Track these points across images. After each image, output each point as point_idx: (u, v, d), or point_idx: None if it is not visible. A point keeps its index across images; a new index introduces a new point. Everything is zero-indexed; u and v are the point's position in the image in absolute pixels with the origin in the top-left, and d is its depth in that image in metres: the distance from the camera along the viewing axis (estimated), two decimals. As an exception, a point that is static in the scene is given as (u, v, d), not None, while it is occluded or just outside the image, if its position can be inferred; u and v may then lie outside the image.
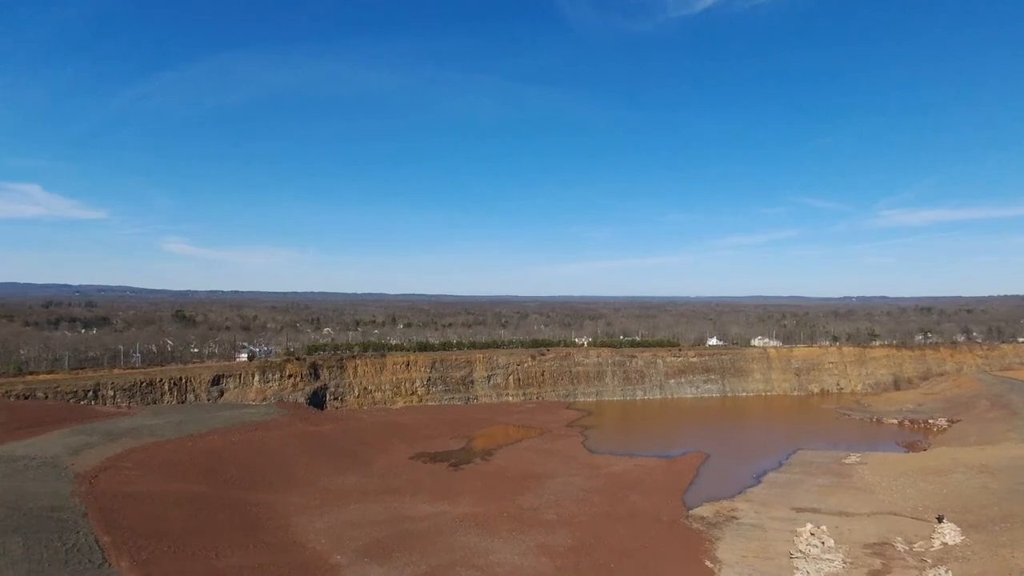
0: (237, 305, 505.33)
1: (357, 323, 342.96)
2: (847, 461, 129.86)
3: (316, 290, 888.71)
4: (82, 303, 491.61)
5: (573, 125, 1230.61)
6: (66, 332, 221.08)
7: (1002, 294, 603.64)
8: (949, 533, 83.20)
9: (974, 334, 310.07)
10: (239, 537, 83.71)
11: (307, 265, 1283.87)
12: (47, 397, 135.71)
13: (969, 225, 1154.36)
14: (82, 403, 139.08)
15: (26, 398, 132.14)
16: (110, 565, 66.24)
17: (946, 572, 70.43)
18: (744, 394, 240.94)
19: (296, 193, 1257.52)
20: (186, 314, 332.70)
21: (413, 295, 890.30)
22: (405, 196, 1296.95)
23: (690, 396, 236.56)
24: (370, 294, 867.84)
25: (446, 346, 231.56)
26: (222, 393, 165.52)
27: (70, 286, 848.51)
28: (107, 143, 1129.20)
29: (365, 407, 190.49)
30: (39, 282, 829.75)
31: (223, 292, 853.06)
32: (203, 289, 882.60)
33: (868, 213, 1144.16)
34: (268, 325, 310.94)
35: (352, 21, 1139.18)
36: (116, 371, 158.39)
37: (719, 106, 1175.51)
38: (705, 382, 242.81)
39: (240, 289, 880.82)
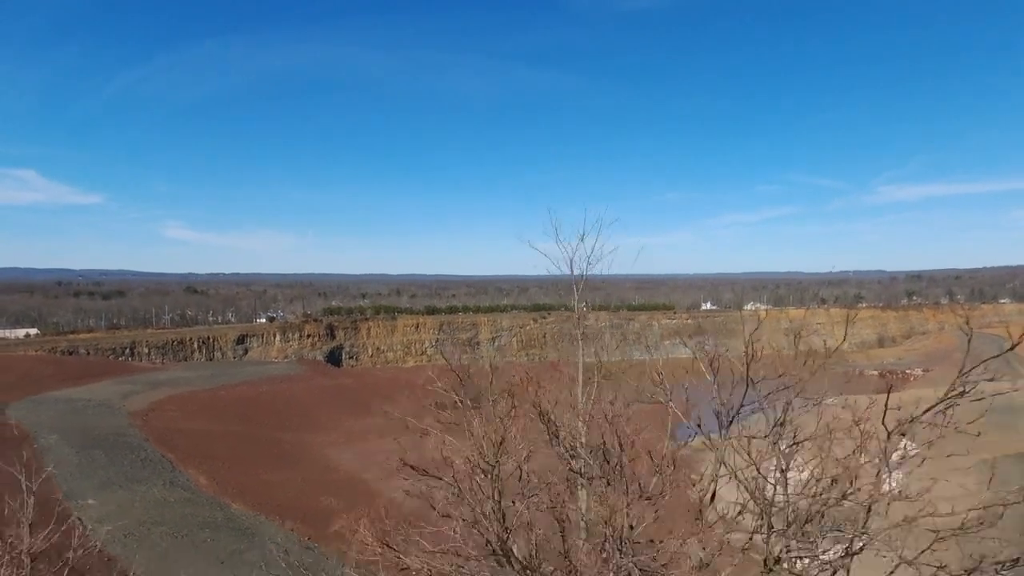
0: (244, 284, 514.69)
1: (364, 295, 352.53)
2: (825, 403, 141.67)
3: (317, 271, 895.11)
4: (89, 283, 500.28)
5: (566, 104, 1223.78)
6: (87, 303, 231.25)
7: (993, 266, 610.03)
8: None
9: (958, 297, 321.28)
10: (279, 463, 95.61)
11: (307, 248, 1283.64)
12: (89, 353, 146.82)
13: (963, 200, 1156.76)
14: (120, 359, 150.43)
15: (70, 354, 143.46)
16: (180, 472, 78.22)
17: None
18: (736, 353, 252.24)
19: (293, 176, 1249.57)
20: (197, 289, 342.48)
21: (414, 275, 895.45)
22: (401, 177, 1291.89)
23: (684, 356, 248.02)
24: (371, 274, 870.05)
25: (452, 310, 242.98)
26: (246, 351, 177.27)
27: (72, 270, 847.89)
28: (103, 128, 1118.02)
29: (378, 365, 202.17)
30: (40, 267, 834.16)
31: (224, 274, 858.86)
32: (204, 272, 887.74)
33: (865, 190, 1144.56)
34: (278, 298, 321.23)
35: (344, 2, 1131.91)
36: (149, 331, 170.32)
37: (716, 84, 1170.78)
38: (698, 342, 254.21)
39: (240, 271, 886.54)
